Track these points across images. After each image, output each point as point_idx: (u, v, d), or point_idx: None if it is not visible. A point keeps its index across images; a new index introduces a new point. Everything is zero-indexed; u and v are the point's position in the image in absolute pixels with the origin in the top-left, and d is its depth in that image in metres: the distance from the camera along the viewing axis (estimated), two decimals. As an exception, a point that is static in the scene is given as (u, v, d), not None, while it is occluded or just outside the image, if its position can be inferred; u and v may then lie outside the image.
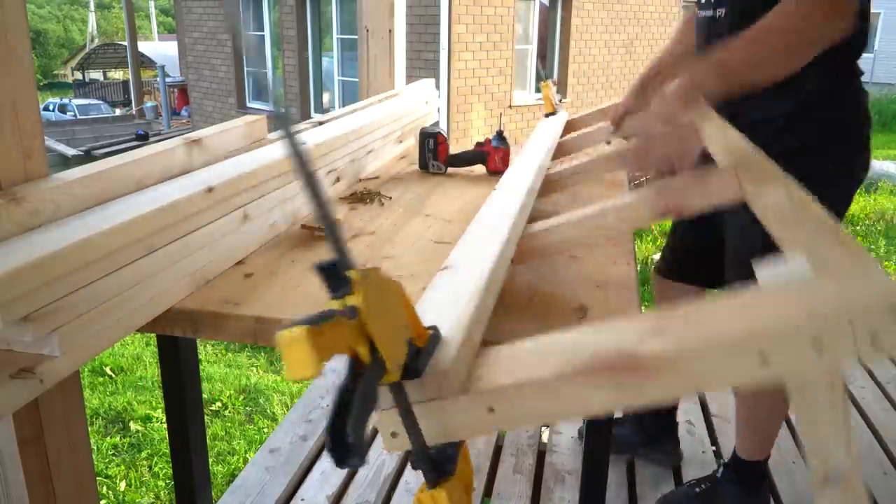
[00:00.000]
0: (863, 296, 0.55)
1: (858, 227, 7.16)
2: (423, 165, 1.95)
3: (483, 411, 0.64)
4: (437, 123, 2.50)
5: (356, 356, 0.57)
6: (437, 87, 7.31)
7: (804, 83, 1.36)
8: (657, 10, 10.98)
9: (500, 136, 1.97)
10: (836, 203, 1.48)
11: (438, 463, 0.65)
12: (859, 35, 1.36)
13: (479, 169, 1.99)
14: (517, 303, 1.09)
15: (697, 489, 1.90)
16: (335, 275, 0.56)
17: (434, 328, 0.71)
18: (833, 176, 1.49)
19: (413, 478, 2.07)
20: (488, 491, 2.03)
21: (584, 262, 1.25)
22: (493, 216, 1.19)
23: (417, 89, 2.51)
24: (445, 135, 1.97)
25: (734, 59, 1.12)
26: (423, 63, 7.91)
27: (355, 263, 0.57)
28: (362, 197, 1.65)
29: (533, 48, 9.40)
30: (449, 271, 0.97)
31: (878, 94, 16.16)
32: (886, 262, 5.89)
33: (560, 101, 2.40)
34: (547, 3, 9.51)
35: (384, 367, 0.58)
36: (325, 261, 0.56)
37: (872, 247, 6.41)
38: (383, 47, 2.62)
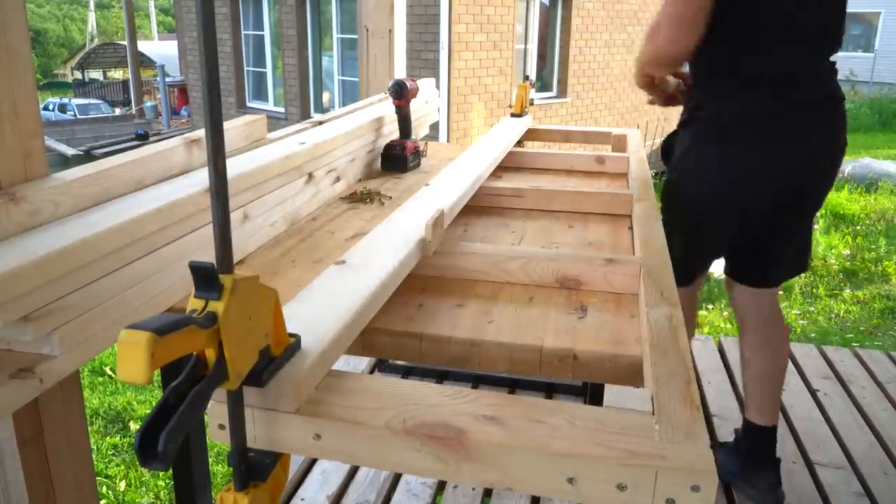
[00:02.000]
0: (678, 462, 0.60)
1: (859, 227, 7.16)
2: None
3: (310, 435, 0.66)
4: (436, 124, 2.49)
5: (201, 358, 0.57)
6: (437, 86, 7.31)
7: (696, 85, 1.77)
8: (657, 10, 10.97)
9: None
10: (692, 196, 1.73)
11: (253, 467, 0.65)
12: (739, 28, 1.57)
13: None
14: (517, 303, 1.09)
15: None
16: (209, 277, 0.56)
17: (296, 337, 0.71)
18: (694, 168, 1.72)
19: (413, 478, 2.07)
20: (488, 491, 2.03)
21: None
22: (408, 219, 1.21)
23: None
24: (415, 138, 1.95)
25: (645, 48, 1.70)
26: (423, 63, 7.90)
27: (232, 269, 0.57)
28: (362, 197, 1.64)
29: (533, 48, 9.39)
30: (344, 266, 0.97)
31: (878, 94, 16.14)
32: (886, 262, 5.89)
33: (531, 103, 2.42)
34: (547, 3, 9.51)
35: (226, 376, 0.58)
36: (203, 262, 0.55)
37: (873, 246, 6.41)
38: (383, 47, 2.62)
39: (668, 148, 1.82)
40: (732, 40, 1.57)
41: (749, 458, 1.94)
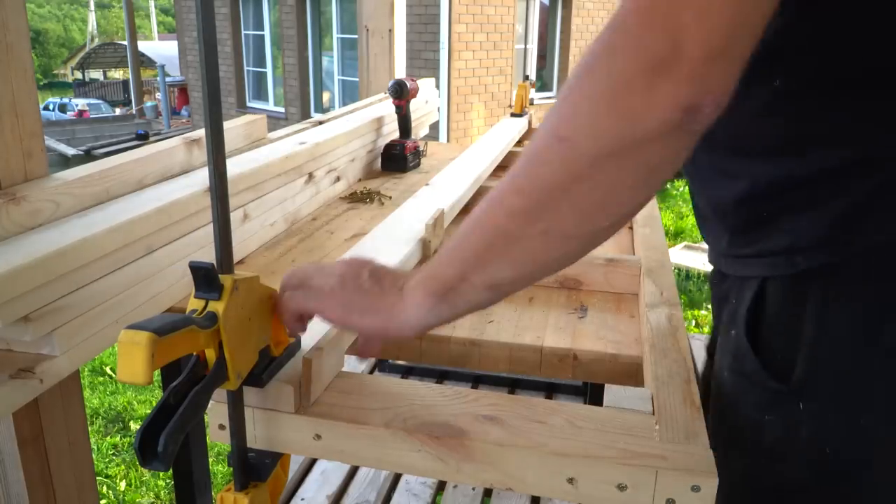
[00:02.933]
0: (678, 462, 0.59)
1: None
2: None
3: (310, 436, 0.66)
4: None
5: (201, 358, 0.57)
6: (437, 86, 7.31)
7: None
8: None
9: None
10: None
11: (253, 468, 0.65)
12: None
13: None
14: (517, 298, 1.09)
15: None
16: (209, 277, 0.56)
17: (296, 337, 0.71)
18: None
19: (413, 478, 2.07)
20: (488, 491, 2.03)
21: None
22: (407, 219, 1.20)
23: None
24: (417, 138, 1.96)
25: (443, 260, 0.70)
26: (423, 63, 7.90)
27: (232, 269, 0.57)
28: (362, 197, 1.64)
29: (532, 48, 9.39)
30: None
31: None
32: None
33: (531, 103, 2.42)
34: (547, 3, 9.51)
35: (226, 376, 0.58)
36: (203, 262, 0.56)
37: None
38: (383, 47, 2.62)
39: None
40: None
41: None
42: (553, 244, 0.55)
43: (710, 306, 5.00)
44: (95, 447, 3.11)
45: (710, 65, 0.45)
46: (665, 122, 0.47)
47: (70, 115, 17.28)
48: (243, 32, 11.26)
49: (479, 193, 1.57)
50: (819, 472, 0.67)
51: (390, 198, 1.65)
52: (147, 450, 0.52)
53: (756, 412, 0.69)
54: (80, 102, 18.70)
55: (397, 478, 2.08)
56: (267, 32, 10.94)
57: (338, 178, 1.67)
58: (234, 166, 1.25)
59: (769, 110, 0.65)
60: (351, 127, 1.75)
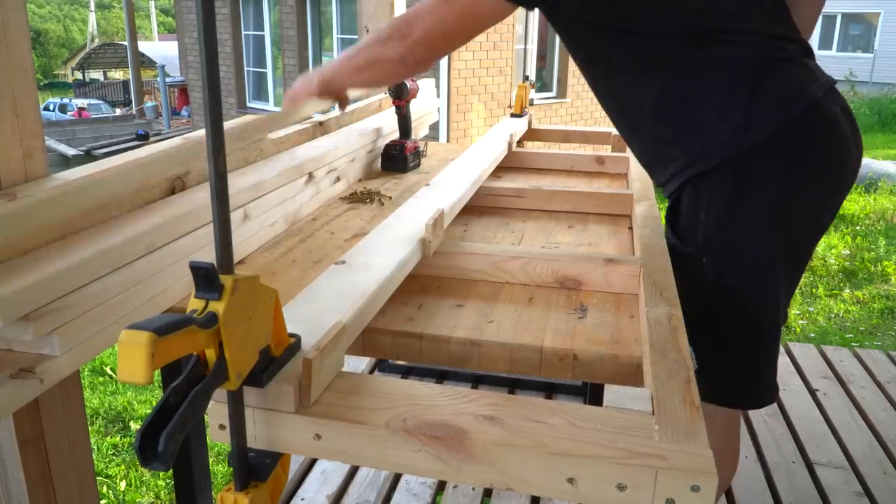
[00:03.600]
0: (678, 462, 0.60)
1: (858, 227, 7.16)
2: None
3: (310, 436, 0.66)
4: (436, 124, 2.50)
5: (202, 358, 0.57)
6: (437, 86, 7.30)
7: None
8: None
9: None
10: None
11: (253, 467, 0.65)
12: None
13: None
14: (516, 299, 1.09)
15: None
16: (209, 277, 0.56)
17: (296, 337, 0.71)
18: None
19: (413, 478, 2.07)
20: (488, 491, 2.03)
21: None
22: (407, 219, 1.21)
23: (417, 89, 2.50)
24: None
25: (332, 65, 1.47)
26: (423, 63, 7.90)
27: (232, 269, 0.57)
28: (362, 197, 1.64)
29: (532, 48, 9.39)
30: (344, 266, 0.97)
31: (877, 95, 16.14)
32: (886, 262, 5.89)
33: (531, 103, 2.43)
34: (547, 3, 9.50)
35: (226, 376, 0.58)
36: (203, 262, 0.56)
37: (872, 247, 6.41)
38: (383, 47, 2.61)
39: (675, 213, 1.22)
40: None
41: None
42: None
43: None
44: (95, 447, 3.11)
45: None
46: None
47: (70, 115, 17.28)
48: (243, 32, 11.25)
49: (479, 193, 1.57)
50: (719, 295, 1.13)
51: (390, 198, 1.65)
52: (147, 450, 0.52)
53: (682, 266, 1.10)
54: (80, 102, 18.70)
55: (397, 478, 2.09)
56: (267, 33, 10.94)
57: (338, 179, 1.67)
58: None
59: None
60: (350, 127, 1.75)
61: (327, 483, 2.05)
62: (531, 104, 2.43)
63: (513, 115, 2.37)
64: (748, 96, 1.06)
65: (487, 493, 2.02)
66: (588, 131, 2.50)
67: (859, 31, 19.03)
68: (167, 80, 14.03)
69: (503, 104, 8.66)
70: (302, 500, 1.99)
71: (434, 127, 7.63)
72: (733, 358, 1.17)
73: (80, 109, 17.61)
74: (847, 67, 16.83)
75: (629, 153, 2.04)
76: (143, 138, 12.17)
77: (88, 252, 0.88)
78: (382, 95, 2.31)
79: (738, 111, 1.07)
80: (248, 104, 11.38)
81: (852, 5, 18.19)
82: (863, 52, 18.56)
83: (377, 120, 2.03)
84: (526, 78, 2.47)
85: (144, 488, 2.84)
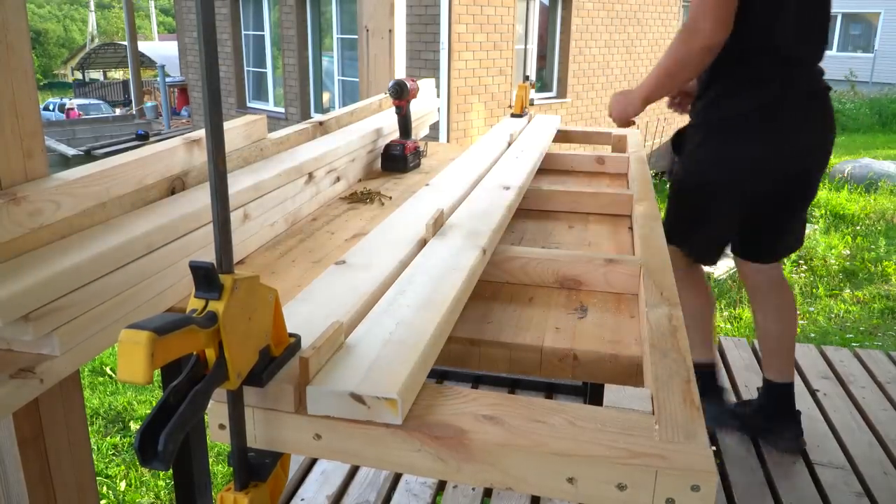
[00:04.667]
0: (678, 462, 0.60)
1: (858, 227, 7.16)
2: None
3: (310, 435, 0.66)
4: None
5: (202, 358, 0.57)
6: (437, 86, 7.30)
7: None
8: (657, 10, 10.98)
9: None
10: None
11: (253, 467, 0.65)
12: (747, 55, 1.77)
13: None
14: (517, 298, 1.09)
15: (739, 409, 2.29)
16: (209, 276, 0.56)
17: (296, 337, 0.71)
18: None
19: (413, 478, 2.07)
20: (488, 491, 2.03)
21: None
22: (407, 219, 1.20)
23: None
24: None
25: (644, 84, 1.87)
26: (423, 63, 7.90)
27: (232, 269, 0.57)
28: (362, 197, 1.64)
29: (532, 48, 9.40)
30: (344, 266, 0.97)
31: (878, 94, 16.14)
32: (886, 262, 5.89)
33: (531, 103, 2.44)
34: (547, 3, 9.51)
35: (226, 376, 0.58)
36: (203, 262, 0.56)
37: (873, 247, 6.41)
38: (383, 47, 2.62)
39: (679, 142, 2.01)
40: (746, 40, 1.70)
41: (774, 413, 2.17)
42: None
43: (710, 306, 5.01)
44: (95, 447, 3.10)
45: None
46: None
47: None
48: (243, 33, 11.25)
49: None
50: (697, 184, 1.90)
51: (390, 198, 1.65)
52: (147, 449, 0.52)
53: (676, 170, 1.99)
54: (69, 102, 18.64)
55: (397, 478, 2.08)
56: (267, 33, 10.93)
57: (338, 179, 1.67)
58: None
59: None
60: (350, 128, 1.75)
61: (327, 483, 2.05)
62: (531, 104, 2.43)
63: (513, 115, 2.37)
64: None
65: (487, 493, 2.02)
66: (588, 131, 2.50)
67: (859, 30, 19.02)
68: (167, 80, 14.03)
69: (503, 104, 8.65)
70: (302, 500, 1.99)
71: (434, 127, 7.64)
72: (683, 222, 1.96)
73: (69, 110, 17.57)
74: (847, 67, 16.82)
75: (629, 153, 2.04)
76: (143, 138, 12.17)
77: (88, 252, 0.88)
78: (382, 96, 2.31)
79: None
80: (248, 104, 11.37)
81: (852, 5, 18.18)
82: (863, 52, 18.56)
83: (377, 120, 2.03)
84: (526, 78, 2.47)
85: (144, 488, 2.84)
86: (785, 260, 5.86)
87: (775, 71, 1.75)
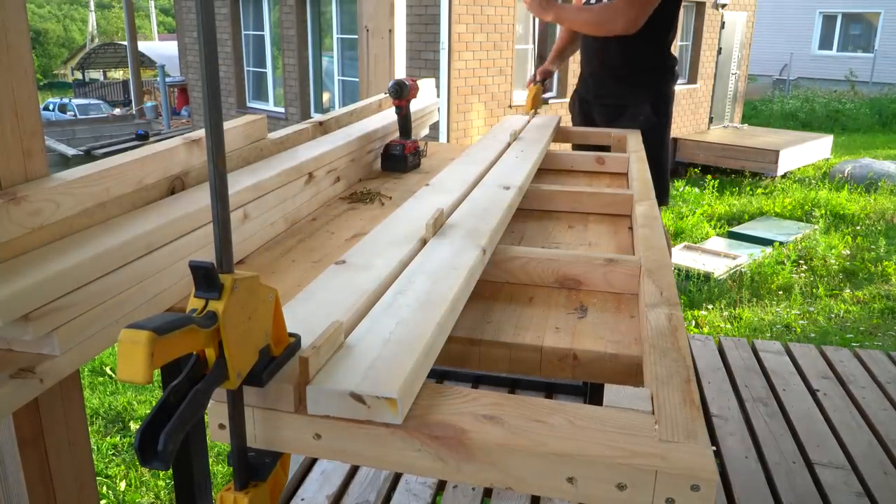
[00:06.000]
0: (677, 462, 0.60)
1: (858, 227, 7.16)
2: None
3: (310, 435, 0.66)
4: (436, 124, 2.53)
5: (201, 358, 0.57)
6: (437, 86, 7.30)
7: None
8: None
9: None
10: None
11: (253, 467, 0.65)
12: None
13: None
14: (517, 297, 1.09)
15: None
16: (209, 276, 0.56)
17: (296, 337, 0.71)
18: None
19: (413, 478, 2.07)
20: (488, 491, 2.03)
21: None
22: (407, 219, 1.20)
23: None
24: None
25: (564, 11, 2.33)
26: (423, 63, 7.90)
27: (232, 269, 0.57)
28: (362, 197, 1.64)
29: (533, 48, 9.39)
30: (344, 266, 0.97)
31: (878, 94, 16.13)
32: (886, 262, 5.89)
33: (545, 102, 2.48)
34: (547, 3, 9.50)
35: (226, 376, 0.58)
36: (203, 261, 0.56)
37: (873, 247, 6.41)
38: (383, 47, 2.62)
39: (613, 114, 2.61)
40: (664, 43, 2.44)
41: None
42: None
43: (710, 307, 5.00)
44: (95, 447, 3.10)
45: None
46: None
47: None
48: (243, 32, 11.25)
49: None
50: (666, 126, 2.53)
51: (390, 198, 1.65)
52: (147, 449, 0.52)
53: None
54: (58, 102, 18.64)
55: (397, 478, 2.09)
56: (267, 32, 10.93)
57: (338, 179, 1.67)
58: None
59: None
60: (350, 128, 1.75)
61: (327, 483, 2.05)
62: (545, 103, 2.48)
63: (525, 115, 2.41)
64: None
65: (487, 493, 2.02)
66: (588, 131, 2.50)
67: (859, 30, 19.02)
68: (167, 79, 14.03)
69: (503, 104, 8.65)
70: (302, 500, 1.99)
71: (434, 127, 7.63)
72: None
73: (61, 108, 17.59)
74: (847, 67, 16.82)
75: (629, 153, 2.04)
76: (143, 138, 12.17)
77: (88, 252, 0.88)
78: (382, 96, 2.31)
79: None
80: (248, 104, 11.37)
81: (852, 5, 18.18)
82: (863, 52, 18.56)
83: (377, 120, 2.03)
84: (539, 81, 2.52)
85: (144, 488, 2.84)
86: (785, 260, 5.86)
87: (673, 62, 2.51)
